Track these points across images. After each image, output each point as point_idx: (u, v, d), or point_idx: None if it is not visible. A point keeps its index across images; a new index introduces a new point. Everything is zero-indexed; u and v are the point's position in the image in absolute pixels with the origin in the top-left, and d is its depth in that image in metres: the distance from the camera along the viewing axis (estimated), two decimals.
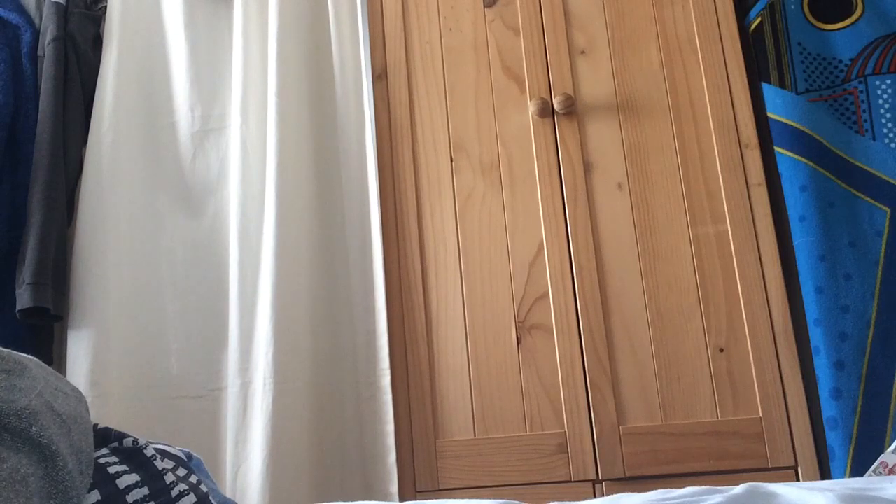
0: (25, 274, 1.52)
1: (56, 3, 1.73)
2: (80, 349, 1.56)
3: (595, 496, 1.38)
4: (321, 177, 1.70)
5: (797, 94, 1.51)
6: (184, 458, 0.80)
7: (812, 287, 1.41)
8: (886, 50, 1.51)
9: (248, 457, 1.50)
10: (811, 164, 1.46)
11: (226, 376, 1.59)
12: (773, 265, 1.45)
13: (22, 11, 1.75)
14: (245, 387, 1.55)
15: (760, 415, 1.39)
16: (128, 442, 0.72)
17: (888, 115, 1.48)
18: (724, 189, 1.50)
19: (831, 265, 1.42)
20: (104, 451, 0.70)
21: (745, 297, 1.44)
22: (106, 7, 1.81)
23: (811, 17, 1.57)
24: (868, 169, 1.46)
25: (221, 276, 1.65)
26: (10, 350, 0.65)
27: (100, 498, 0.63)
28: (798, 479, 1.34)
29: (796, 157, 1.47)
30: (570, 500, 0.91)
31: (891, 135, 1.47)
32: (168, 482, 0.70)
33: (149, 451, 0.72)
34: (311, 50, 1.77)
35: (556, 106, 1.57)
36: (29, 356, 0.67)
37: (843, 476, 1.31)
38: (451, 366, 1.51)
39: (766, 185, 1.49)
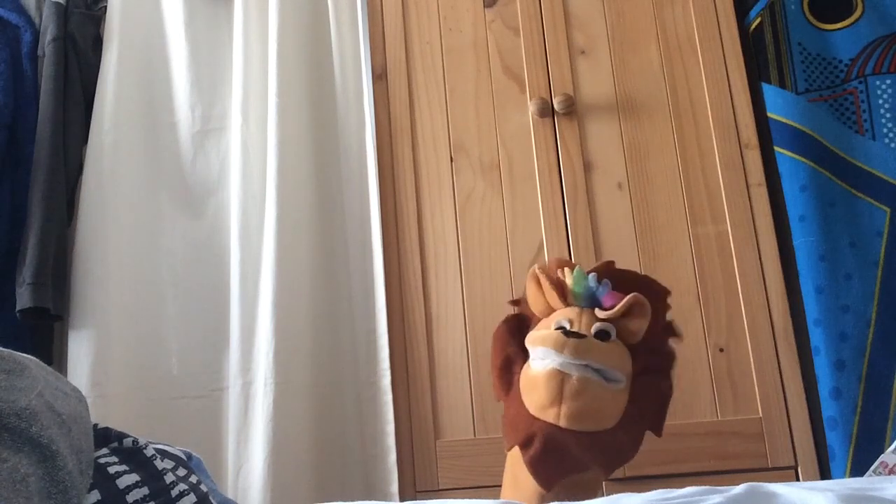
0: (25, 274, 1.52)
1: (56, 3, 1.73)
2: (80, 349, 1.56)
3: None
4: (321, 177, 1.70)
5: (797, 94, 1.51)
6: (184, 457, 0.79)
7: (812, 287, 1.41)
8: (886, 50, 1.51)
9: (249, 457, 1.50)
10: (811, 164, 1.46)
11: (227, 376, 1.59)
12: (773, 265, 1.45)
13: (22, 11, 1.74)
14: (246, 387, 1.55)
15: (760, 415, 1.39)
16: (128, 442, 0.72)
17: (888, 115, 1.48)
18: (724, 189, 1.50)
19: (831, 265, 1.42)
20: (104, 451, 0.70)
21: (745, 297, 1.44)
22: (106, 7, 1.81)
23: (811, 17, 1.57)
24: (868, 169, 1.46)
25: (222, 276, 1.65)
26: (10, 350, 0.65)
27: (100, 498, 0.63)
28: (798, 479, 1.34)
29: (796, 157, 1.47)
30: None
31: (891, 135, 1.47)
32: (168, 482, 0.70)
33: (149, 451, 0.72)
34: (312, 50, 1.77)
35: (556, 106, 1.57)
36: (29, 356, 0.67)
37: (843, 476, 1.31)
38: (451, 366, 1.51)
39: (766, 185, 1.49)
